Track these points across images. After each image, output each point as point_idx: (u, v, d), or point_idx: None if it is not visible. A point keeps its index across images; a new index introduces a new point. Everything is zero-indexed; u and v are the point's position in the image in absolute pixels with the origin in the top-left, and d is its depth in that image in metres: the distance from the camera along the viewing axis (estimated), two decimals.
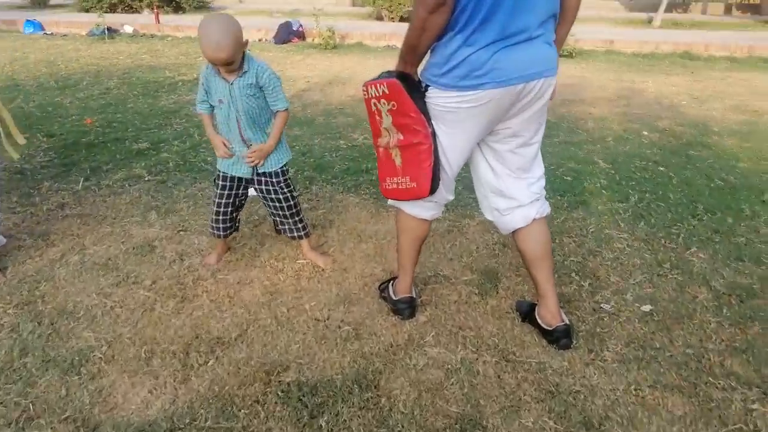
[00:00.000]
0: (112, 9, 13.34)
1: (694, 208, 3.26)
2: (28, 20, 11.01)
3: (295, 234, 2.59)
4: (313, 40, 9.81)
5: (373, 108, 1.96)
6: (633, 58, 8.55)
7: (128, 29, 10.69)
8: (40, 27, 10.96)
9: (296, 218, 2.54)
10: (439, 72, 1.80)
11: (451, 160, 1.97)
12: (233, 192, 2.48)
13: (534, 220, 2.05)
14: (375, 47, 9.63)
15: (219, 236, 2.56)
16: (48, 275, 2.53)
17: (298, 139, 4.48)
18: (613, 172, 3.86)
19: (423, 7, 1.65)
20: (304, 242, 2.63)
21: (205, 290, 2.43)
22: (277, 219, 2.57)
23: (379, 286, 2.44)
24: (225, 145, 2.35)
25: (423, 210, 2.11)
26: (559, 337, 2.05)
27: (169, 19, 11.86)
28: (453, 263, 2.67)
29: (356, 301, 2.38)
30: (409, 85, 1.85)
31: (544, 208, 2.09)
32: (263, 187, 2.47)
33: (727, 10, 15.99)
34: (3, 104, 2.68)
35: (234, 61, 2.14)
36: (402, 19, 12.43)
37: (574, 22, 1.96)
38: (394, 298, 2.27)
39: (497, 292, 2.44)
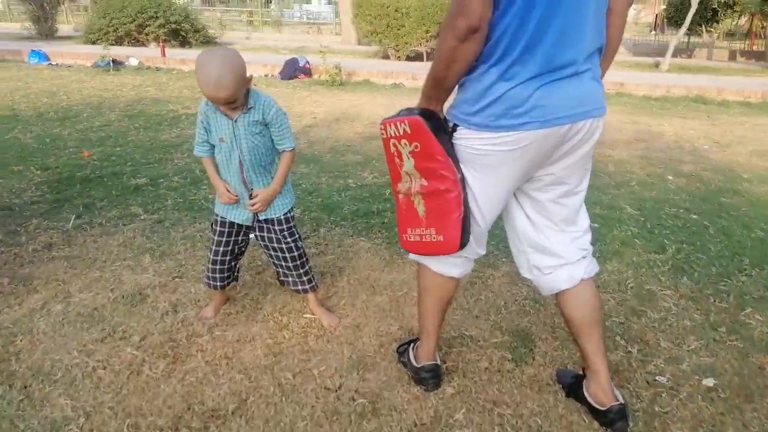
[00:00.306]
0: (119, 42, 13.33)
1: (739, 262, 2.98)
2: (33, 51, 10.94)
3: (299, 287, 2.30)
4: (319, 76, 9.70)
5: (392, 149, 1.71)
6: (645, 101, 8.39)
7: (133, 62, 10.61)
8: (45, 57, 10.88)
9: (301, 270, 2.26)
10: (470, 110, 1.55)
11: (483, 210, 1.70)
12: (232, 239, 2.21)
13: (581, 280, 1.78)
14: (382, 85, 9.50)
15: (215, 287, 2.29)
16: (26, 327, 2.23)
17: (305, 177, 4.24)
18: (642, 219, 3.60)
19: (452, 33, 1.41)
20: (311, 295, 2.34)
21: (200, 349, 2.13)
22: (280, 270, 2.29)
23: (398, 348, 2.14)
24: (229, 191, 2.10)
25: (450, 267, 1.83)
26: (614, 420, 1.75)
27: (176, 53, 11.81)
28: (479, 322, 2.37)
29: (372, 365, 2.08)
30: (434, 123, 1.60)
31: (592, 267, 1.82)
32: (265, 234, 2.21)
33: (732, 56, 16.05)
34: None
35: (237, 99, 1.91)
36: (408, 58, 12.40)
37: (614, 57, 1.74)
38: (415, 364, 1.98)
39: (533, 359, 2.14)
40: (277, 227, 2.18)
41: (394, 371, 2.05)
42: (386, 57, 12.79)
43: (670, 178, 4.51)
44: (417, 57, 12.50)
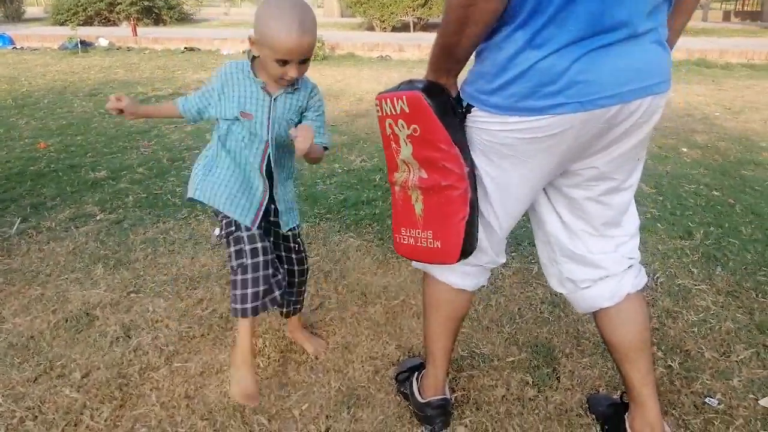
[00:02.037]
0: (89, 22, 12.68)
1: None
2: None
3: (295, 306, 1.87)
4: None
5: (388, 131, 1.34)
6: None
7: (103, 42, 10.03)
8: (9, 41, 10.27)
9: (304, 287, 1.86)
10: (488, 87, 1.17)
11: (500, 213, 1.34)
12: (265, 241, 1.55)
13: (627, 295, 1.41)
14: (368, 58, 9.02)
15: (257, 310, 1.51)
16: None
17: None
18: (661, 198, 3.23)
19: None
20: (295, 317, 1.93)
21: (155, 387, 1.75)
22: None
23: (397, 375, 1.77)
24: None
25: (460, 276, 1.47)
26: None
27: (148, 32, 11.21)
28: (491, 335, 2.01)
29: (365, 399, 1.71)
30: (439, 102, 1.22)
31: (640, 279, 1.44)
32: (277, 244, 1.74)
33: (726, 17, 15.62)
34: None
35: (310, 58, 1.46)
36: (395, 29, 11.87)
37: (694, 10, 1.35)
38: (420, 399, 1.61)
39: (558, 380, 1.78)
40: (291, 233, 1.72)
41: (393, 406, 1.68)
42: (371, 28, 12.25)
43: (685, 150, 4.14)
44: (404, 27, 11.98)
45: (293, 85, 1.52)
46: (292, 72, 1.44)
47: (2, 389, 1.74)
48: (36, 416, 1.64)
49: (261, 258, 1.49)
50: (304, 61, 1.45)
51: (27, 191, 3.30)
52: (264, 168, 1.55)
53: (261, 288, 1.48)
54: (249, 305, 1.47)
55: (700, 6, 15.21)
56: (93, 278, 2.36)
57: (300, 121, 1.57)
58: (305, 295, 1.90)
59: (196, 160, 1.63)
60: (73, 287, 2.29)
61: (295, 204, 1.73)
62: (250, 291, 1.47)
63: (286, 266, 1.77)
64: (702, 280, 2.36)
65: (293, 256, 1.76)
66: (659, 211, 3.05)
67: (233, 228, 1.51)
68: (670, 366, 1.85)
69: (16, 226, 2.82)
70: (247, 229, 1.51)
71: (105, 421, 1.62)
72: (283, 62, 1.41)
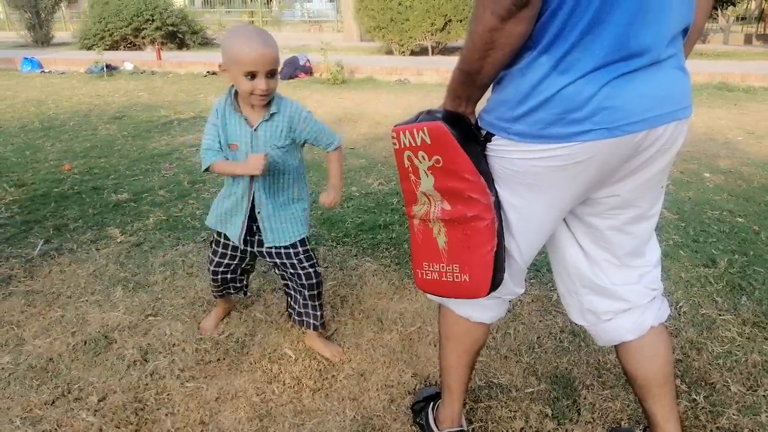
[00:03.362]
0: (115, 46, 13.00)
1: None
2: (26, 58, 10.62)
3: (312, 321, 1.97)
4: (320, 75, 9.30)
5: (406, 164, 1.32)
6: None
7: (128, 66, 10.26)
8: (38, 65, 10.55)
9: (318, 301, 1.95)
10: (511, 114, 1.15)
11: (522, 244, 1.31)
12: (238, 255, 1.97)
13: (650, 328, 1.38)
14: (386, 82, 9.09)
15: (215, 296, 2.15)
16: None
17: None
18: (683, 224, 3.18)
19: (491, 10, 1.01)
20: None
21: (171, 412, 1.75)
22: (300, 299, 1.97)
23: (413, 405, 1.75)
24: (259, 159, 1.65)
25: (480, 310, 1.44)
26: None
27: (172, 56, 11.46)
28: (509, 364, 1.98)
29: (380, 429, 1.69)
30: (461, 131, 1.21)
31: (663, 311, 1.41)
32: (276, 260, 1.91)
33: (747, 40, 15.52)
34: None
35: (278, 71, 1.64)
36: (413, 53, 11.98)
37: (696, 42, 1.35)
38: (435, 430, 1.58)
39: (579, 413, 1.74)
40: (291, 251, 1.88)
41: None
42: (390, 53, 12.38)
43: (707, 175, 4.08)
44: (422, 52, 12.09)
45: (268, 108, 1.67)
46: (261, 84, 1.59)
47: (20, 412, 1.75)
48: None
49: (221, 268, 1.98)
50: (272, 75, 1.60)
51: (51, 213, 3.36)
52: (251, 194, 1.78)
53: (212, 285, 2.05)
54: (213, 292, 2.09)
55: (721, 29, 15.16)
56: (112, 301, 2.38)
57: (293, 143, 1.74)
58: (322, 312, 1.98)
59: None
60: (92, 310, 2.31)
61: (295, 224, 1.86)
62: (210, 284, 2.07)
63: (295, 278, 1.90)
64: (727, 310, 2.31)
65: (297, 271, 1.88)
66: (682, 237, 3.00)
67: (213, 238, 1.96)
68: (695, 400, 1.80)
69: (38, 248, 2.87)
70: (218, 243, 1.93)
71: None
72: (252, 75, 1.58)
